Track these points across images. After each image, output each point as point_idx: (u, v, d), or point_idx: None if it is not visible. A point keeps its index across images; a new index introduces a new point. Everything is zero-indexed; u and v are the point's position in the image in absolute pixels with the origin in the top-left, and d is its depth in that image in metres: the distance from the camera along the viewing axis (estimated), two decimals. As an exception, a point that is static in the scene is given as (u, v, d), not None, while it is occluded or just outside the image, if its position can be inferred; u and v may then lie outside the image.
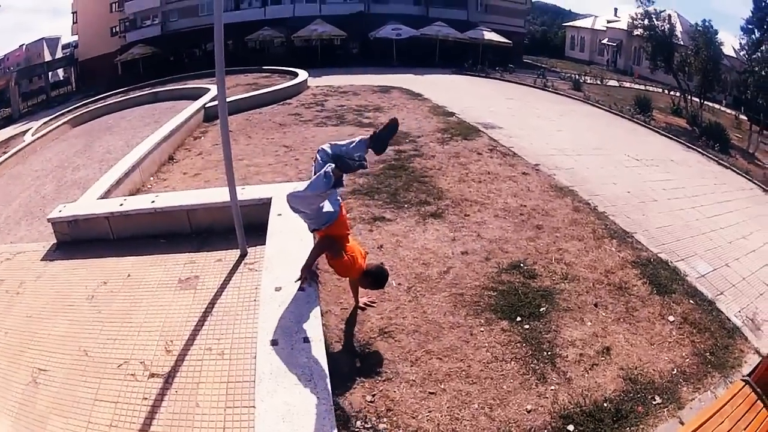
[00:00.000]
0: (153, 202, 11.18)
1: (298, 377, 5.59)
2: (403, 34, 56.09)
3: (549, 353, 8.31)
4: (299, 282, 7.34)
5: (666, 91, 50.16)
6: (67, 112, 41.21)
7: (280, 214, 9.46)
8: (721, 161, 25.65)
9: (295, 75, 36.13)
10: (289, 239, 8.57)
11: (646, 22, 45.65)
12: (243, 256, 9.71)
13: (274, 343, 6.12)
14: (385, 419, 6.91)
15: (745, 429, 6.95)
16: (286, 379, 5.56)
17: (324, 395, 5.38)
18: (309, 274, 7.45)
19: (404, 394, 7.31)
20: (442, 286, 9.89)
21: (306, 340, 6.15)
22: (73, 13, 73.91)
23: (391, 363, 7.90)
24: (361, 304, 8.93)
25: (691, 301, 10.37)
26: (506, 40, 60.37)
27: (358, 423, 6.84)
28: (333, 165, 6.94)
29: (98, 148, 21.46)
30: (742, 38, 45.97)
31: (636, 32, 52.86)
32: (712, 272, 12.15)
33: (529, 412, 7.17)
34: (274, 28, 60.71)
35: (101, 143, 22.31)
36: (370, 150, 7.14)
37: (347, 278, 8.65)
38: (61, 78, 78.62)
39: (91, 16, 70.46)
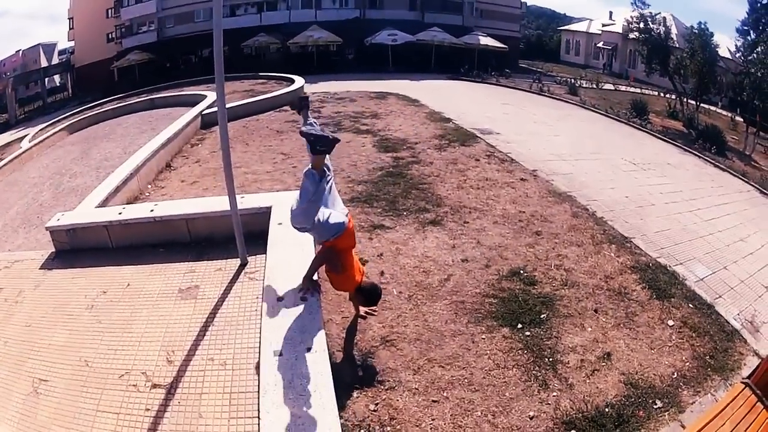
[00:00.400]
0: (152, 210, 11.11)
1: (303, 388, 5.57)
2: (398, 39, 56.17)
3: (550, 359, 8.34)
4: (301, 292, 7.34)
5: (662, 94, 50.24)
6: (64, 118, 41.11)
7: (280, 223, 9.43)
8: (717, 164, 25.70)
9: (292, 81, 36.20)
10: (290, 249, 8.56)
11: (641, 25, 45.80)
12: (243, 265, 9.64)
13: (277, 353, 6.11)
14: (388, 428, 6.93)
15: (746, 431, 7.00)
16: (291, 390, 5.55)
17: (329, 405, 5.37)
18: (311, 284, 7.44)
19: (407, 403, 7.33)
20: (442, 293, 9.91)
21: (310, 350, 6.14)
22: (69, 18, 74.09)
23: (394, 371, 7.91)
24: (362, 313, 8.93)
25: (690, 305, 10.39)
26: (502, 45, 60.54)
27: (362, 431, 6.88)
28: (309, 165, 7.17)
29: (95, 155, 21.37)
30: (738, 40, 46.25)
31: (632, 35, 52.97)
32: (711, 276, 12.17)
33: (531, 418, 7.20)
34: (270, 34, 60.88)
35: (98, 150, 22.23)
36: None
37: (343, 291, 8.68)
38: (58, 84, 78.83)
39: (88, 22, 70.61)
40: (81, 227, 10.97)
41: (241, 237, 9.19)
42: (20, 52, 77.45)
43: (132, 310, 8.73)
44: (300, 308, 6.97)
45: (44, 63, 78.05)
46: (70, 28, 74.51)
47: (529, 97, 40.72)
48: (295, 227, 7.24)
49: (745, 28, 45.47)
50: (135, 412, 6.63)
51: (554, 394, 7.65)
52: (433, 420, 7.07)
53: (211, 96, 28.10)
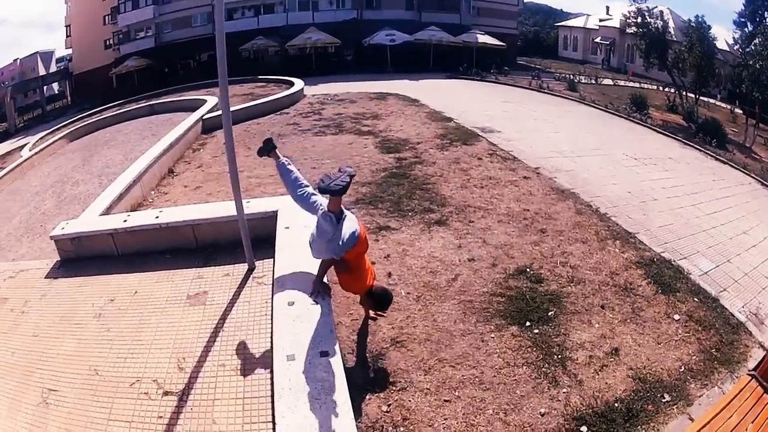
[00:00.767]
0: (157, 217, 11.02)
1: (318, 391, 5.58)
2: (397, 39, 55.96)
3: (559, 356, 8.42)
4: (312, 296, 7.33)
5: (661, 88, 50.13)
6: (64, 126, 41.16)
7: (287, 227, 9.42)
8: (718, 157, 25.81)
9: (291, 84, 36.08)
10: (298, 253, 8.47)
11: (639, 19, 45.70)
12: (251, 270, 9.59)
13: (291, 358, 6.10)
14: (401, 428, 7.00)
15: (753, 422, 7.05)
16: (306, 393, 5.55)
17: (344, 408, 5.38)
18: (321, 288, 7.45)
19: (419, 403, 7.40)
20: (450, 293, 9.96)
21: (323, 354, 6.14)
22: (66, 26, 73.93)
23: (405, 372, 7.97)
24: (371, 315, 8.97)
25: (696, 299, 10.49)
26: (500, 43, 60.23)
27: (375, 433, 6.91)
28: (323, 205, 7.26)
29: (97, 162, 21.34)
30: (735, 32, 46.19)
31: (629, 30, 52.88)
32: (715, 269, 12.26)
33: (542, 415, 7.28)
34: (268, 37, 60.57)
35: (99, 157, 22.20)
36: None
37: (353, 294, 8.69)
38: (56, 92, 78.59)
39: (85, 30, 70.42)
40: (86, 235, 10.93)
41: (248, 242, 9.14)
42: (18, 60, 77.39)
43: (141, 318, 8.69)
44: (311, 312, 6.95)
45: (42, 71, 77.95)
46: (67, 36, 74.33)
47: (529, 94, 40.69)
48: (315, 257, 7.30)
49: (742, 19, 45.43)
50: (147, 420, 6.59)
51: (564, 390, 7.73)
52: (445, 419, 7.14)
53: (212, 101, 28.13)
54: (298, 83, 35.61)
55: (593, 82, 52.14)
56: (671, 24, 47.17)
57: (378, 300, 7.77)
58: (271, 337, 6.95)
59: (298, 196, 7.77)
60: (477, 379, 7.86)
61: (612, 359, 8.49)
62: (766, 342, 9.48)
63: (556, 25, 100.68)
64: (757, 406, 7.33)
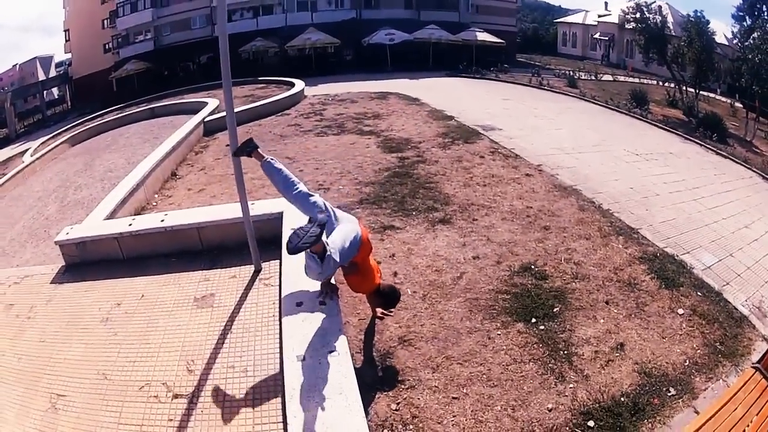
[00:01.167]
0: (162, 220, 11.02)
1: (329, 391, 5.59)
2: (396, 38, 55.86)
3: (565, 352, 8.48)
4: (320, 296, 7.31)
5: (660, 83, 50.07)
6: (65, 130, 41.00)
7: (293, 228, 9.27)
8: (719, 151, 25.80)
9: (292, 85, 36.09)
10: (306, 253, 8.47)
11: (637, 15, 45.66)
12: (257, 271, 9.63)
13: (300, 358, 6.10)
14: (411, 426, 7.04)
15: (757, 414, 7.09)
16: (317, 393, 5.56)
17: (356, 407, 5.40)
18: (329, 288, 7.43)
19: (428, 401, 7.44)
20: (456, 291, 10.02)
21: (332, 353, 6.15)
22: (65, 31, 73.78)
23: (413, 370, 8.03)
24: (378, 314, 8.92)
25: (699, 293, 10.54)
26: (499, 40, 60.05)
27: (385, 431, 6.99)
28: (322, 205, 7.26)
29: (99, 166, 21.33)
30: (734, 26, 46.16)
31: (628, 26, 52.84)
32: (718, 263, 12.33)
33: (550, 410, 7.33)
34: (267, 38, 60.55)
35: (101, 161, 22.19)
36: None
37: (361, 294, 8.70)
38: (56, 96, 78.36)
39: (84, 34, 70.28)
40: (91, 240, 10.91)
41: (254, 243, 9.18)
42: (17, 65, 77.46)
43: (148, 321, 8.70)
44: (319, 312, 6.96)
45: (42, 76, 77.94)
46: (66, 40, 74.12)
47: (529, 91, 40.68)
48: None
49: (741, 14, 45.38)
50: (158, 423, 6.61)
51: (571, 385, 7.79)
52: (454, 416, 7.19)
53: (212, 103, 28.23)
54: (299, 84, 35.64)
55: (593, 78, 51.99)
56: (670, 19, 47.21)
57: (387, 298, 7.83)
58: (280, 338, 6.99)
59: (293, 196, 7.57)
60: (484, 376, 7.91)
61: (617, 354, 8.55)
62: (770, 335, 9.53)
63: (554, 21, 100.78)
64: (762, 398, 7.37)
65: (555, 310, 9.53)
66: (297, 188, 7.45)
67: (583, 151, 20.59)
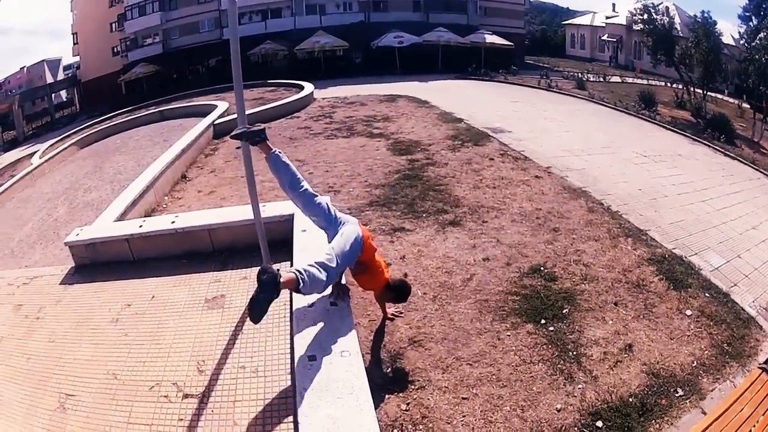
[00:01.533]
0: (173, 222, 11.05)
1: (340, 391, 5.61)
2: (405, 41, 55.80)
3: (574, 353, 8.54)
4: (331, 297, 7.28)
5: (668, 84, 49.92)
6: (74, 133, 41.20)
7: (304, 230, 9.39)
8: (727, 152, 25.76)
9: (301, 88, 35.99)
10: (316, 255, 8.28)
11: (645, 16, 45.67)
12: None
13: (312, 358, 6.12)
14: (421, 426, 7.10)
15: (764, 414, 7.15)
16: (328, 393, 5.58)
17: (367, 406, 5.42)
18: (340, 289, 7.41)
19: (438, 401, 7.50)
20: (466, 293, 10.08)
21: (343, 353, 6.16)
22: (73, 34, 73.96)
23: (423, 371, 8.08)
24: (389, 315, 9.06)
25: (707, 294, 10.58)
26: (507, 42, 59.88)
27: (395, 431, 7.04)
28: (328, 207, 7.36)
29: (108, 168, 21.44)
30: (741, 26, 46.03)
31: (636, 27, 52.80)
32: (725, 264, 12.39)
33: (559, 411, 7.40)
34: (276, 41, 60.50)
35: (111, 164, 22.30)
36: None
37: (372, 291, 8.71)
38: (65, 99, 78.48)
39: (92, 37, 70.40)
40: (101, 241, 10.96)
41: (265, 245, 9.00)
42: (25, 68, 77.51)
43: (159, 322, 8.74)
44: (331, 313, 6.98)
45: (50, 79, 77.98)
46: (74, 44, 74.32)
47: (538, 93, 40.60)
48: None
49: (747, 14, 45.25)
50: (168, 423, 6.64)
51: (579, 386, 7.86)
52: (463, 417, 7.26)
53: (222, 106, 28.29)
54: (308, 87, 35.59)
55: (601, 80, 51.91)
56: (677, 20, 47.26)
57: (398, 291, 7.86)
58: (291, 339, 7.02)
59: (298, 194, 7.39)
60: (494, 377, 7.97)
61: (626, 355, 8.61)
62: (777, 336, 9.57)
63: (563, 23, 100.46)
64: (769, 399, 7.46)
65: (564, 311, 9.59)
66: (303, 187, 7.35)
67: (592, 153, 20.62)
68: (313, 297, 7.22)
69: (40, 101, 73.17)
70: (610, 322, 9.42)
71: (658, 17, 45.26)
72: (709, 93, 43.63)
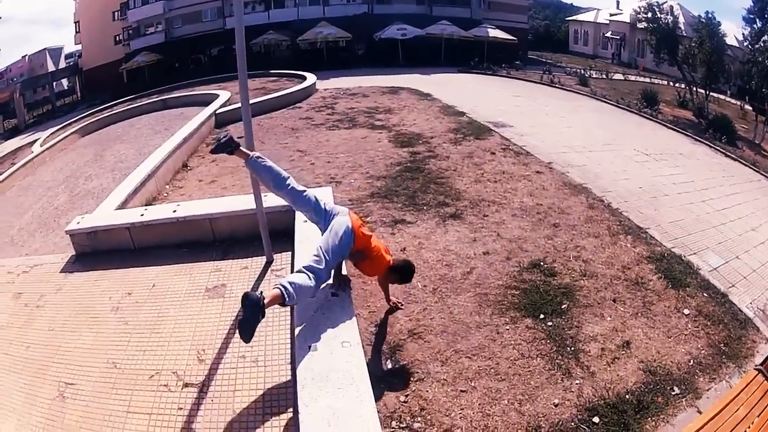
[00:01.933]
0: (175, 211, 11.07)
1: (340, 381, 5.63)
2: (408, 34, 55.64)
3: (572, 349, 8.59)
4: (332, 288, 7.28)
5: (671, 84, 49.95)
6: (75, 121, 41.20)
7: (305, 221, 9.00)
8: (728, 153, 25.81)
9: (303, 78, 36.09)
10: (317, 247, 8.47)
11: (649, 14, 45.62)
12: (269, 263, 9.69)
13: (313, 348, 6.14)
14: (419, 418, 7.14)
15: (759, 415, 7.21)
16: (329, 383, 5.61)
17: (367, 397, 5.45)
18: (341, 280, 7.43)
19: (436, 393, 7.56)
20: (466, 286, 10.12)
21: (344, 344, 6.19)
22: (75, 22, 73.81)
23: (422, 363, 8.13)
24: (391, 305, 9.11)
25: (705, 294, 10.62)
26: (511, 37, 59.82)
27: (394, 423, 7.07)
28: (323, 201, 7.37)
29: (109, 157, 21.45)
30: (745, 28, 45.95)
31: (640, 25, 52.78)
32: (724, 265, 12.40)
33: (556, 405, 7.45)
34: (279, 31, 60.39)
35: (112, 152, 22.31)
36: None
37: (375, 279, 8.74)
38: (66, 87, 78.25)
39: (94, 26, 70.23)
40: (102, 229, 11.01)
41: (266, 235, 9.28)
42: (26, 57, 77.30)
43: (159, 311, 8.78)
44: (332, 303, 6.99)
45: (51, 67, 77.68)
46: (76, 32, 74.17)
47: (540, 88, 40.70)
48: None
49: (751, 16, 45.13)
50: (167, 412, 6.71)
51: (577, 382, 7.92)
52: (462, 409, 7.31)
53: (224, 95, 28.35)
54: (310, 77, 35.58)
55: (604, 76, 51.76)
56: (681, 19, 47.09)
57: (402, 272, 7.85)
58: (291, 329, 7.11)
59: (286, 192, 7.33)
60: (492, 370, 8.03)
61: (623, 352, 8.66)
62: (774, 337, 9.61)
63: (566, 19, 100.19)
64: (764, 400, 7.50)
65: (563, 306, 9.64)
66: (288, 184, 7.30)
67: (594, 150, 20.66)
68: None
69: (41, 89, 72.95)
70: (609, 318, 9.48)
71: (662, 16, 45.20)
72: (711, 93, 43.59)
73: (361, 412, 5.27)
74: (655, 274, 11.15)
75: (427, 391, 7.61)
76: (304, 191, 7.34)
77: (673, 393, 7.94)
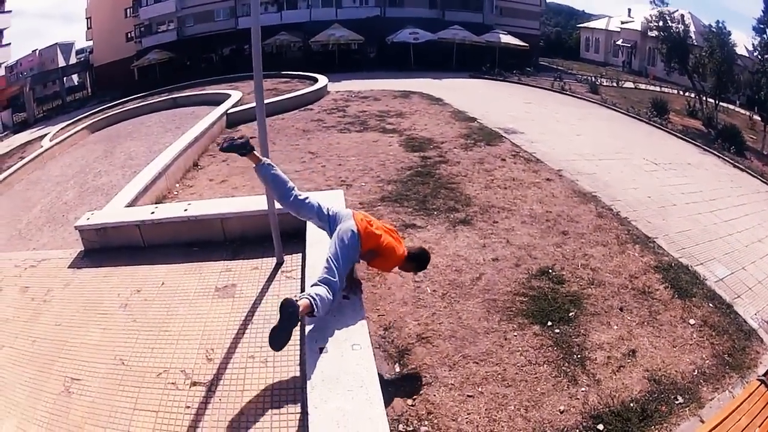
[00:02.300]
0: (186, 210, 11.11)
1: (350, 383, 5.67)
2: (420, 38, 55.70)
3: (579, 356, 8.65)
4: (344, 291, 7.26)
5: (681, 93, 49.89)
6: (85, 117, 41.36)
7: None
8: (736, 164, 25.81)
9: (315, 80, 36.13)
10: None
11: (660, 23, 45.59)
12: (279, 264, 9.71)
13: (324, 350, 6.19)
14: (426, 422, 7.20)
15: (760, 425, 7.25)
16: (338, 385, 5.65)
17: (376, 400, 5.49)
18: (352, 283, 7.46)
19: (444, 398, 7.61)
20: (475, 292, 10.19)
21: (354, 347, 6.23)
22: (87, 18, 74.06)
23: (430, 368, 8.19)
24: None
25: (711, 305, 10.66)
26: (523, 43, 59.77)
27: (401, 426, 7.13)
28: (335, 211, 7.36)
29: (119, 154, 21.59)
30: (755, 38, 45.85)
31: (651, 33, 52.73)
32: (730, 276, 12.43)
33: (562, 412, 7.52)
34: (291, 33, 60.56)
35: (122, 149, 22.46)
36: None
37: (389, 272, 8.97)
38: (76, 83, 78.56)
39: (106, 22, 70.56)
40: (112, 226, 11.07)
41: (278, 236, 9.31)
42: (37, 51, 77.48)
43: (168, 309, 8.79)
44: (343, 306, 7.01)
45: (62, 62, 77.85)
46: (88, 28, 74.47)
47: (551, 95, 40.66)
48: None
49: (761, 26, 45.07)
50: (174, 410, 6.70)
51: (583, 389, 7.98)
52: (468, 414, 7.37)
53: (235, 95, 28.26)
54: (322, 79, 35.59)
55: (614, 84, 51.71)
56: (692, 28, 47.05)
57: (418, 260, 7.78)
58: (301, 331, 7.04)
59: (290, 203, 7.35)
60: (500, 376, 8.09)
61: (629, 360, 8.72)
62: (777, 349, 9.67)
63: (578, 26, 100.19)
64: (766, 410, 7.54)
65: (570, 314, 9.70)
66: (292, 195, 7.32)
67: (603, 158, 20.65)
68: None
69: (51, 84, 73.36)
70: (615, 327, 9.53)
71: (673, 25, 45.17)
72: (720, 103, 43.55)
73: (370, 414, 5.32)
74: (662, 283, 11.19)
75: (435, 395, 7.66)
76: (306, 198, 7.34)
77: (676, 402, 7.99)
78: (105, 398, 7.00)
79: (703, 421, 7.59)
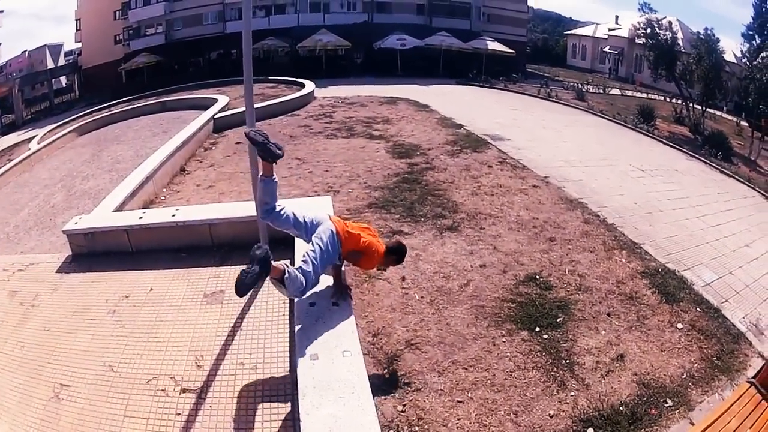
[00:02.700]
0: (174, 215, 11.15)
1: (342, 390, 5.67)
2: (407, 44, 55.72)
3: (567, 361, 8.69)
4: (333, 298, 7.31)
5: (668, 99, 50.00)
6: (73, 120, 41.10)
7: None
8: (723, 170, 25.91)
9: (302, 86, 36.10)
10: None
11: (648, 30, 45.64)
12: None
13: (314, 357, 6.17)
14: (416, 428, 7.22)
15: (751, 427, 7.32)
16: (330, 392, 5.65)
17: (368, 406, 5.51)
18: (342, 289, 7.45)
19: (433, 404, 7.63)
20: (463, 298, 10.20)
21: (345, 353, 6.23)
22: (76, 20, 73.83)
23: (419, 374, 8.21)
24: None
25: (698, 309, 10.73)
26: (509, 50, 59.79)
27: (391, 432, 7.12)
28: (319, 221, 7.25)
29: (107, 157, 21.51)
30: (743, 45, 46.06)
31: (638, 41, 52.83)
32: (717, 280, 12.48)
33: (551, 417, 7.55)
34: (279, 37, 60.40)
35: (109, 153, 22.38)
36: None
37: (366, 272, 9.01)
38: (64, 85, 78.31)
39: (95, 24, 70.30)
40: (100, 231, 11.04)
41: (266, 242, 9.01)
42: (26, 52, 77.09)
43: (157, 315, 8.80)
44: (332, 313, 7.01)
45: (50, 64, 77.56)
46: (77, 30, 74.17)
47: (538, 102, 40.80)
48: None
49: (751, 33, 45.39)
50: (165, 417, 6.70)
51: (572, 393, 8.02)
52: (458, 420, 7.39)
53: (222, 100, 28.30)
54: (309, 85, 35.69)
55: (601, 91, 51.96)
56: (680, 35, 47.08)
57: (398, 253, 7.78)
58: (290, 337, 7.14)
59: (269, 218, 7.32)
60: (489, 382, 8.12)
61: (618, 365, 8.77)
62: (766, 351, 9.73)
63: (565, 33, 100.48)
64: (756, 412, 7.59)
65: (558, 320, 9.73)
66: (271, 209, 7.20)
67: (590, 165, 20.72)
68: (315, 296, 7.24)
69: (40, 86, 72.95)
70: (603, 332, 9.57)
71: (661, 32, 45.25)
72: (708, 109, 43.69)
73: (362, 420, 5.34)
74: (650, 288, 11.25)
75: (425, 401, 7.69)
76: (281, 210, 7.26)
77: (666, 405, 8.04)
78: (95, 405, 7.01)
79: (693, 424, 7.66)
